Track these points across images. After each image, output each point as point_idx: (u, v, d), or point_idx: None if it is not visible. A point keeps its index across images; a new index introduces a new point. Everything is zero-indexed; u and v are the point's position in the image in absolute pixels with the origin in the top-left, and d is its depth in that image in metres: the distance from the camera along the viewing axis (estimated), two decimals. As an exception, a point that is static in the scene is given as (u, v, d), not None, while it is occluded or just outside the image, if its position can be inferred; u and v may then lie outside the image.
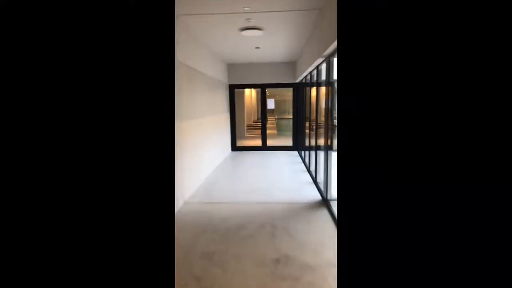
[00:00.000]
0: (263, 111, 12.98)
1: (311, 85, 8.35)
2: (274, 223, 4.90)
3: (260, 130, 13.19)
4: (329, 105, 5.52)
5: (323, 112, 6.31)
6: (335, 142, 5.82)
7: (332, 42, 4.48)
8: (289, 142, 13.36)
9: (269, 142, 13.60)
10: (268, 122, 24.57)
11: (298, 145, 12.17)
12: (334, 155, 5.90)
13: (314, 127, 7.50)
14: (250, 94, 19.49)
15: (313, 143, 8.02)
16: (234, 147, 12.44)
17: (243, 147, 12.91)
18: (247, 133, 16.96)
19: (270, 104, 15.53)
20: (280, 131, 18.61)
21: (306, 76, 9.19)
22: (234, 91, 11.88)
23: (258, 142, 13.44)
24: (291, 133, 13.15)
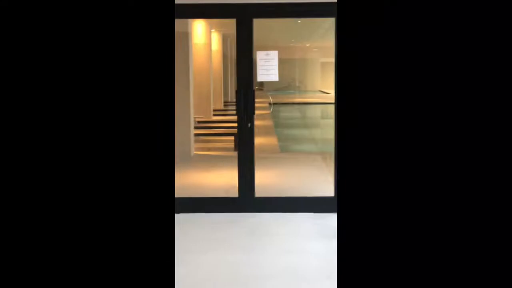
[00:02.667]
0: (246, 86, 4.35)
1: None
2: None
3: (234, 138, 5.01)
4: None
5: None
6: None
7: None
8: (320, 179, 5.73)
9: (262, 179, 5.09)
10: (257, 114, 16.40)
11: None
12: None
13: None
14: (208, 43, 10.70)
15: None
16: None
17: (185, 199, 4.71)
18: (195, 148, 8.23)
19: (268, 66, 4.59)
20: (285, 142, 9.87)
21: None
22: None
23: (227, 178, 5.21)
24: (322, 148, 7.65)
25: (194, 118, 9.98)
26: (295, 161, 7.40)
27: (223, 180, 5.74)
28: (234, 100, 4.56)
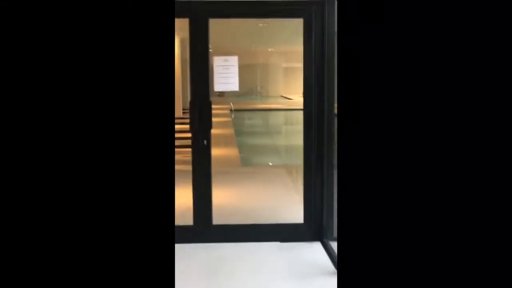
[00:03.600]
0: (201, 97, 3.71)
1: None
2: None
3: (189, 156, 4.11)
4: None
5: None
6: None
7: None
8: (286, 200, 5.24)
9: (220, 199, 4.47)
10: (218, 122, 15.49)
11: (325, 219, 3.98)
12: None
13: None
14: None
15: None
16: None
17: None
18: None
19: (227, 74, 3.87)
20: (246, 153, 9.22)
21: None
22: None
23: (184, 198, 4.33)
24: (287, 161, 7.47)
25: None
26: (258, 176, 6.78)
27: (178, 201, 5.05)
28: (190, 107, 3.90)
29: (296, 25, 4.09)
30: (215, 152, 9.11)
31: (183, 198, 4.70)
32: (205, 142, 3.96)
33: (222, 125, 14.08)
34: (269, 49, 22.88)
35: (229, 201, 5.24)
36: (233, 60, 3.95)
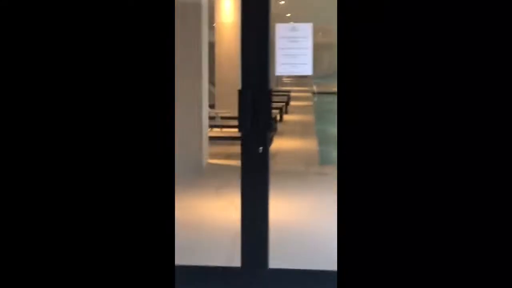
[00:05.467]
0: (255, 84, 2.60)
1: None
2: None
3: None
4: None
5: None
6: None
7: None
8: None
9: (286, 217, 3.50)
10: (296, 106, 13.74)
11: None
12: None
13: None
14: (237, 22, 8.70)
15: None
16: None
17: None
18: (211, 154, 6.44)
19: (296, 50, 2.51)
20: (327, 146, 7.79)
21: None
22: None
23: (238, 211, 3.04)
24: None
25: (216, 113, 8.16)
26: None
27: (229, 216, 3.80)
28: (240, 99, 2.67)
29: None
30: (288, 144, 7.88)
31: (227, 223, 3.47)
32: (260, 149, 2.70)
33: (300, 110, 12.79)
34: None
35: (297, 223, 3.96)
36: (305, 30, 2.63)
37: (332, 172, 6.13)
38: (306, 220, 4.06)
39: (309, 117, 11.03)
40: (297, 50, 2.65)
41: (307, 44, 2.63)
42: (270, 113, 2.70)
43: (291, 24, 2.65)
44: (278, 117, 9.65)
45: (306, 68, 2.65)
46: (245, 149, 2.74)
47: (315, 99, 15.64)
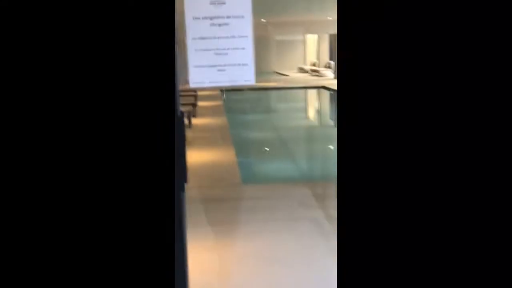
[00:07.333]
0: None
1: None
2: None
3: None
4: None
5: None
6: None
7: None
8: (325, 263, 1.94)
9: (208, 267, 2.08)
10: (205, 106, 12.37)
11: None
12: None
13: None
14: None
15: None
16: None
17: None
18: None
19: (228, 38, 1.58)
20: (247, 157, 6.73)
21: None
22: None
23: None
24: (310, 172, 5.87)
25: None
26: (274, 206, 4.26)
27: None
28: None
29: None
30: (201, 157, 6.64)
31: None
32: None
33: (210, 111, 11.55)
34: (262, 20, 20.34)
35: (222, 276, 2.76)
36: (240, 2, 1.43)
37: (256, 194, 5.02)
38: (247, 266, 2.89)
39: (221, 120, 9.85)
40: (227, 41, 1.44)
41: (245, 29, 1.43)
42: (184, 159, 1.48)
43: (212, -5, 1.43)
44: (186, 122, 8.36)
45: (244, 73, 1.45)
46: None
47: (224, 97, 14.53)
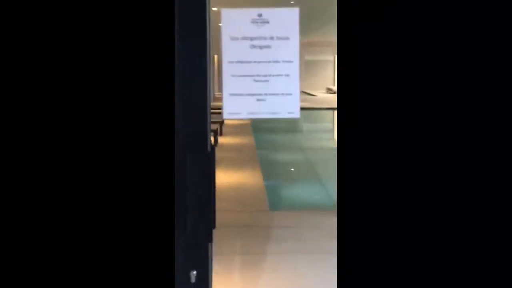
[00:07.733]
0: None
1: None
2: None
3: None
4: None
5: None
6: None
7: None
8: None
9: None
10: (233, 125, 12.36)
11: None
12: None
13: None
14: None
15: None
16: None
17: None
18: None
19: (270, 62, 1.32)
20: (276, 179, 6.50)
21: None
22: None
23: None
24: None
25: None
26: (298, 239, 4.01)
27: None
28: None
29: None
30: (228, 179, 6.46)
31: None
32: (193, 274, 1.27)
33: (237, 130, 11.36)
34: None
35: None
36: (286, 22, 1.24)
37: (285, 223, 4.80)
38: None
39: (247, 139, 9.67)
40: (269, 66, 1.25)
41: (290, 53, 1.23)
42: (213, 202, 1.28)
43: (254, 9, 1.24)
44: (212, 141, 8.20)
45: (288, 103, 1.25)
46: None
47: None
